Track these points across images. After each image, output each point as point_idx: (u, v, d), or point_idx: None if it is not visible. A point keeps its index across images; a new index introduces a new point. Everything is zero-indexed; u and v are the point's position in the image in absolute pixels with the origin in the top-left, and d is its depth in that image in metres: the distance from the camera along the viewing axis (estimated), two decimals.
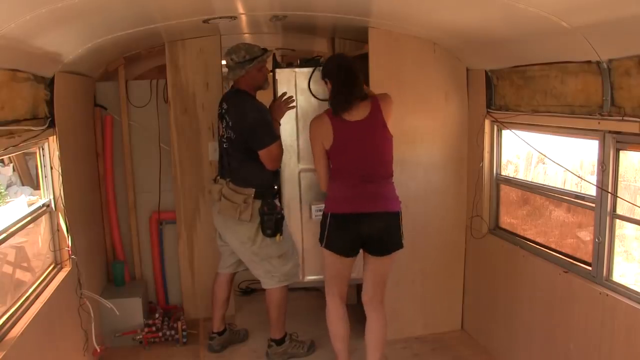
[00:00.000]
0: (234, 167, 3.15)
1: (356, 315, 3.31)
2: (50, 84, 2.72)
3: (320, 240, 2.85)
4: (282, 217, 3.12)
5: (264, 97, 3.24)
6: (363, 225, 2.75)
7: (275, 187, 3.21)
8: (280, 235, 3.10)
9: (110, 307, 3.24)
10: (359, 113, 2.75)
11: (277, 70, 3.38)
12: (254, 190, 3.08)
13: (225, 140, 3.17)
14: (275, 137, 3.05)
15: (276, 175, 3.21)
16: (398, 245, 2.83)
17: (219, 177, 3.26)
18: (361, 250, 2.87)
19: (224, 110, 3.16)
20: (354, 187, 2.76)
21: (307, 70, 3.36)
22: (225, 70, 3.68)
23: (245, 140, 3.05)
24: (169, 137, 3.76)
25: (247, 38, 4.03)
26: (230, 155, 3.16)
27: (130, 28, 2.91)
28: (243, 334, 3.66)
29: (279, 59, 4.31)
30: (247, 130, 3.03)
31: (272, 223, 3.05)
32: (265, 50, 3.11)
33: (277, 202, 3.17)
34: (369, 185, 2.76)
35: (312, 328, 3.57)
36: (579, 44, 2.23)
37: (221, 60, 3.71)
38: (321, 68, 2.94)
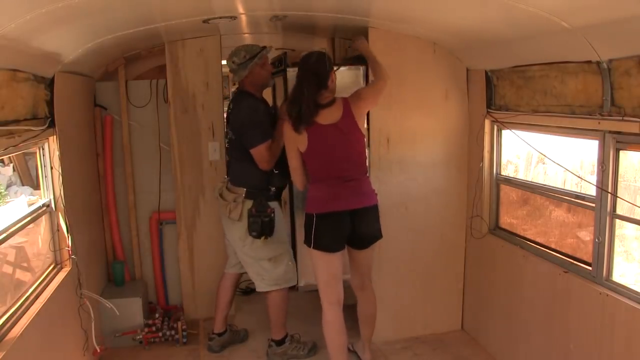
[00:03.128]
0: (232, 166, 3.21)
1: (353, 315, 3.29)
2: (50, 84, 2.72)
3: (308, 242, 2.86)
4: (271, 220, 3.05)
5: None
6: (347, 222, 2.82)
7: (273, 189, 3.17)
8: (266, 238, 3.05)
9: (110, 307, 3.24)
10: (331, 116, 2.78)
11: (289, 70, 3.38)
12: (245, 190, 3.10)
13: (227, 140, 3.23)
14: (266, 138, 3.01)
15: (273, 176, 3.15)
16: (378, 236, 2.97)
17: (225, 176, 3.32)
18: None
19: (229, 111, 3.21)
20: (334, 187, 2.82)
21: None
22: (225, 70, 3.69)
23: (240, 139, 3.08)
24: (169, 137, 3.76)
25: (247, 38, 4.03)
26: (230, 154, 3.22)
27: (131, 28, 2.91)
28: (243, 334, 3.66)
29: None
30: (238, 129, 3.08)
31: (257, 226, 3.02)
32: (264, 47, 3.12)
33: (272, 203, 3.13)
34: (348, 183, 2.82)
35: (314, 328, 3.55)
36: (579, 44, 2.23)
37: (221, 60, 3.72)
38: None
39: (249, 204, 3.08)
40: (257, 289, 3.29)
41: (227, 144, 3.26)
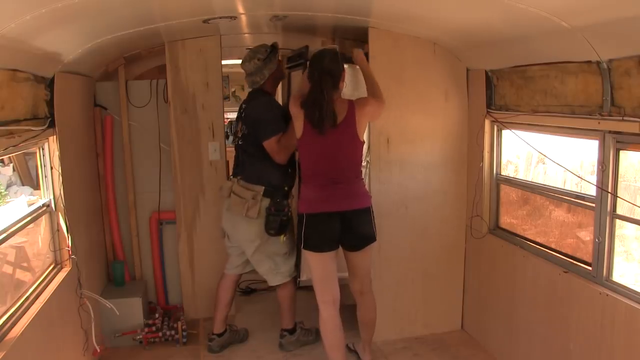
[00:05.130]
0: (246, 164, 3.21)
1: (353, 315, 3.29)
2: (50, 84, 2.72)
3: (299, 241, 2.90)
4: (289, 219, 3.14)
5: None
6: (336, 223, 2.81)
7: (286, 188, 3.20)
8: (285, 236, 3.14)
9: (110, 307, 3.24)
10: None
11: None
12: (263, 188, 3.12)
13: (240, 137, 3.24)
14: (276, 131, 3.06)
15: (288, 175, 3.21)
16: (371, 239, 2.93)
17: (232, 176, 3.33)
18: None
19: (242, 112, 3.26)
20: (325, 188, 2.82)
21: None
22: (225, 70, 3.69)
23: (254, 133, 3.12)
24: (169, 137, 3.76)
25: (247, 38, 4.03)
26: (244, 152, 3.22)
27: (131, 28, 2.91)
28: (243, 333, 3.67)
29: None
30: (252, 123, 3.12)
31: (276, 224, 3.07)
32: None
33: (286, 202, 3.18)
34: (339, 185, 2.82)
35: (313, 322, 3.58)
36: (579, 44, 2.23)
37: (221, 60, 3.72)
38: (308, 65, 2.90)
39: (266, 202, 3.11)
40: (271, 284, 3.35)
41: (239, 141, 3.26)
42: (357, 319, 3.17)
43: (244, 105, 3.28)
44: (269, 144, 3.07)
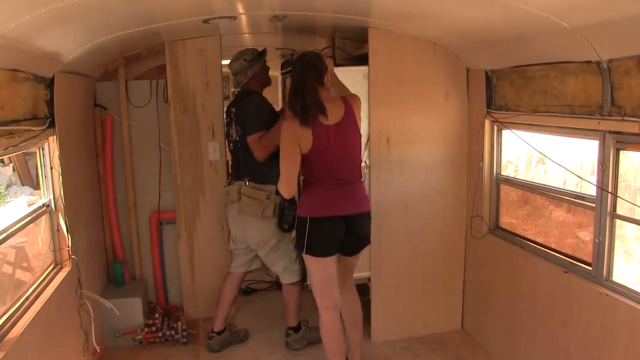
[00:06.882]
0: (252, 166, 3.21)
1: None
2: (50, 84, 2.72)
3: (300, 246, 2.80)
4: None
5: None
6: (340, 227, 2.75)
7: None
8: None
9: (110, 307, 3.24)
10: (334, 115, 2.68)
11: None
12: (274, 186, 3.10)
13: (237, 139, 3.24)
14: (259, 128, 3.11)
15: None
16: (368, 241, 2.94)
17: (234, 180, 3.32)
18: None
19: (232, 114, 3.26)
20: (330, 191, 2.74)
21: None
22: (225, 70, 3.70)
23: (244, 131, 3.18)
24: (169, 137, 3.76)
25: (247, 38, 4.03)
26: (245, 152, 3.21)
27: (131, 28, 2.91)
28: (243, 334, 3.67)
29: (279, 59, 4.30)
30: (242, 120, 3.18)
31: (290, 218, 3.09)
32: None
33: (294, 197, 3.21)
34: (344, 187, 2.76)
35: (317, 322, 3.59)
36: (579, 44, 2.23)
37: (221, 60, 3.72)
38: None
39: (277, 199, 3.14)
40: (285, 282, 3.38)
41: (237, 143, 3.25)
42: (342, 318, 2.99)
43: (233, 109, 3.28)
44: (251, 140, 3.12)
